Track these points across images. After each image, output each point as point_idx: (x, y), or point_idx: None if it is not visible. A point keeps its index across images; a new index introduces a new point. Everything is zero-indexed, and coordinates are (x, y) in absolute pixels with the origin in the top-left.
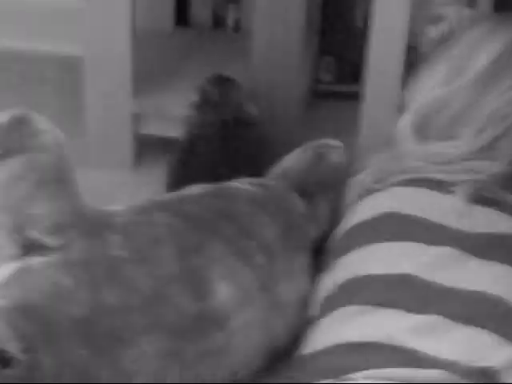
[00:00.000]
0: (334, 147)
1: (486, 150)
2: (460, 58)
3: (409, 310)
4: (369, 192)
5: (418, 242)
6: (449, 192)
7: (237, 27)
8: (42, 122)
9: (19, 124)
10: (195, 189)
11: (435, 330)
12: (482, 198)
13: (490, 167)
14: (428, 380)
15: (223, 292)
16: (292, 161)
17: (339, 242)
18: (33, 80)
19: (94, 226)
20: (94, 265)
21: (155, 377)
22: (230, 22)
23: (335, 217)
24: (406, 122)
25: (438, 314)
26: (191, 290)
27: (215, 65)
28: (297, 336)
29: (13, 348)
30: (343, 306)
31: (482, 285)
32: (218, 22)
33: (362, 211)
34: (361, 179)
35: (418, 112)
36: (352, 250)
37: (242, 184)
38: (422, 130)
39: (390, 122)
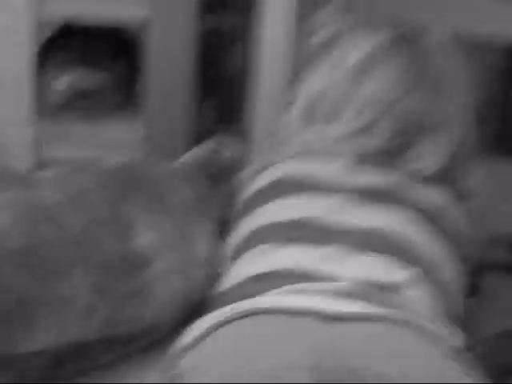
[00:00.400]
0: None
1: (365, 130)
2: (338, 57)
3: (315, 243)
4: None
5: (313, 195)
6: (334, 161)
7: None
8: None
9: None
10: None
11: (339, 258)
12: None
13: (369, 143)
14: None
15: (146, 236)
16: (196, 152)
17: (240, 209)
18: None
19: (24, 177)
20: (30, 206)
21: (87, 309)
22: None
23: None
24: (291, 114)
25: (341, 245)
26: (116, 233)
27: None
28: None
29: None
30: (253, 247)
31: (377, 222)
32: None
33: (257, 182)
34: (251, 168)
35: (302, 103)
36: (253, 210)
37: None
38: (307, 119)
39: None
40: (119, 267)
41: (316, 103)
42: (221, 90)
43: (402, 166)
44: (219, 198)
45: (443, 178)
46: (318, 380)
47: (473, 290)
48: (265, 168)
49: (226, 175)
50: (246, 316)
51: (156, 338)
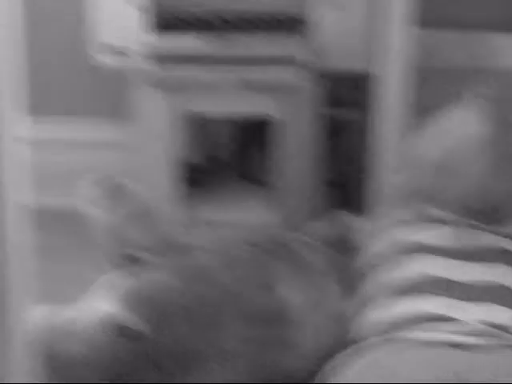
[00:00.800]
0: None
1: None
2: None
3: (437, 295)
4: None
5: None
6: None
7: None
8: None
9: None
10: None
11: (463, 306)
12: None
13: None
14: None
15: (288, 296)
16: (320, 227)
17: (365, 269)
18: None
19: (182, 246)
20: (187, 270)
21: (240, 358)
22: None
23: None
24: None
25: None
26: (264, 292)
27: None
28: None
29: (134, 324)
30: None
31: (494, 278)
32: None
33: (377, 245)
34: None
35: None
36: (376, 269)
37: None
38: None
39: None
40: (268, 321)
41: None
42: (342, 177)
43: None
44: (344, 265)
45: None
46: None
47: None
48: (384, 232)
49: (348, 245)
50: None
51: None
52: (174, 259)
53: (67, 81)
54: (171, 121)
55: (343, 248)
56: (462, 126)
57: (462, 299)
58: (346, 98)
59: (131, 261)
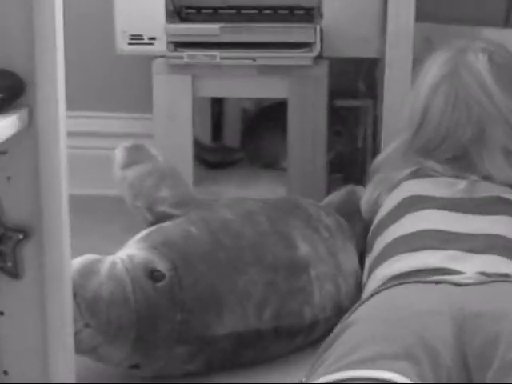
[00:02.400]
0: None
1: None
2: None
3: (440, 248)
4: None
5: (434, 209)
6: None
7: None
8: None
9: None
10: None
11: (463, 257)
12: None
13: None
14: None
15: (303, 248)
16: (333, 196)
17: (374, 230)
18: None
19: (204, 202)
20: (210, 221)
21: (261, 302)
22: None
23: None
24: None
25: (458, 249)
26: (281, 242)
27: None
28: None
29: (162, 268)
30: (389, 257)
31: (497, 230)
32: None
33: (386, 205)
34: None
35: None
36: (385, 229)
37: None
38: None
39: None
40: (286, 269)
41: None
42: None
43: None
44: (354, 230)
45: None
46: (455, 324)
47: None
48: (390, 189)
49: (358, 214)
50: (392, 287)
51: (312, 338)
52: (199, 213)
53: (96, 73)
54: (194, 106)
55: (354, 218)
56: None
57: (465, 251)
58: (355, 84)
59: (161, 218)
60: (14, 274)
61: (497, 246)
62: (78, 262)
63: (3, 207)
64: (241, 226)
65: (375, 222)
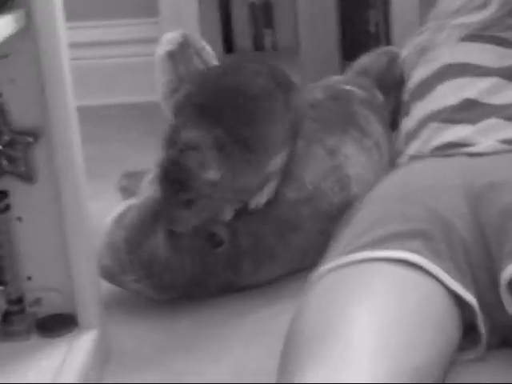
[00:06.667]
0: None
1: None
2: None
3: (475, 121)
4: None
5: (472, 76)
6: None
7: (274, 47)
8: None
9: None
10: (319, 94)
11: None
12: None
13: None
14: None
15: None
16: (370, 61)
17: (411, 95)
18: None
19: None
20: None
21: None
22: (267, 44)
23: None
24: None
25: (498, 117)
26: (338, 187)
27: None
28: None
29: (221, 232)
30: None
31: None
32: (258, 45)
33: (421, 71)
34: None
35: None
36: (424, 95)
37: (351, 87)
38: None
39: None
40: (338, 215)
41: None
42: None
43: None
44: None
45: None
46: (469, 195)
47: None
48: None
49: (401, 83)
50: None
51: None
52: None
53: None
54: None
55: (390, 80)
56: None
57: (502, 119)
58: None
59: None
60: (28, 177)
61: None
62: (130, 210)
63: (10, 112)
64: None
65: (413, 82)
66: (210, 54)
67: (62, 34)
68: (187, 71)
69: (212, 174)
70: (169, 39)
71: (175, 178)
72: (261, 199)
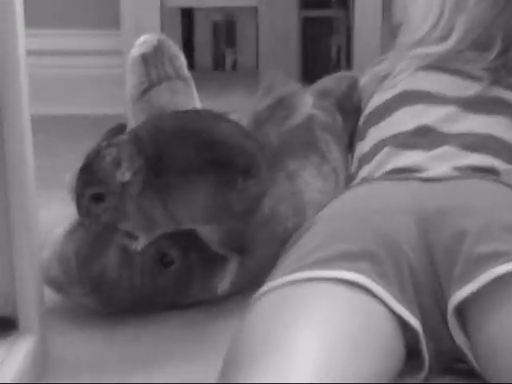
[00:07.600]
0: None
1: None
2: None
3: (429, 148)
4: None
5: (429, 104)
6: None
7: (234, 67)
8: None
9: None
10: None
11: (450, 156)
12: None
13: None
14: None
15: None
16: (331, 84)
17: (367, 120)
18: None
19: None
20: None
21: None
22: (228, 63)
23: None
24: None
25: (452, 146)
26: (293, 212)
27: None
28: None
29: (172, 252)
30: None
31: (486, 129)
32: (218, 64)
33: (378, 98)
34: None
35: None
36: (379, 121)
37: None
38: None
39: None
40: None
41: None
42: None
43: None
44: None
45: None
46: (420, 220)
47: None
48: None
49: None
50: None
51: None
52: None
53: None
54: (160, 17)
55: (349, 105)
56: None
57: (457, 147)
58: None
59: None
60: None
61: (488, 146)
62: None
63: None
64: None
65: (370, 107)
66: (183, 62)
67: (21, 41)
68: (158, 77)
69: (122, 174)
70: (144, 41)
71: (89, 169)
72: (225, 285)
